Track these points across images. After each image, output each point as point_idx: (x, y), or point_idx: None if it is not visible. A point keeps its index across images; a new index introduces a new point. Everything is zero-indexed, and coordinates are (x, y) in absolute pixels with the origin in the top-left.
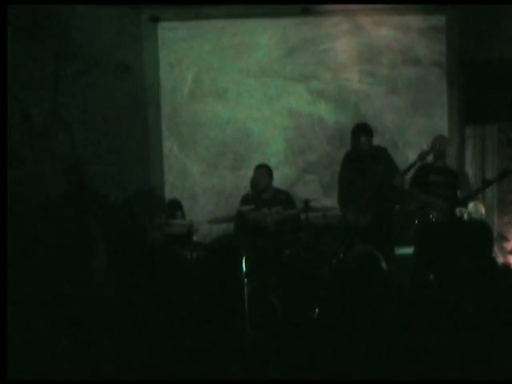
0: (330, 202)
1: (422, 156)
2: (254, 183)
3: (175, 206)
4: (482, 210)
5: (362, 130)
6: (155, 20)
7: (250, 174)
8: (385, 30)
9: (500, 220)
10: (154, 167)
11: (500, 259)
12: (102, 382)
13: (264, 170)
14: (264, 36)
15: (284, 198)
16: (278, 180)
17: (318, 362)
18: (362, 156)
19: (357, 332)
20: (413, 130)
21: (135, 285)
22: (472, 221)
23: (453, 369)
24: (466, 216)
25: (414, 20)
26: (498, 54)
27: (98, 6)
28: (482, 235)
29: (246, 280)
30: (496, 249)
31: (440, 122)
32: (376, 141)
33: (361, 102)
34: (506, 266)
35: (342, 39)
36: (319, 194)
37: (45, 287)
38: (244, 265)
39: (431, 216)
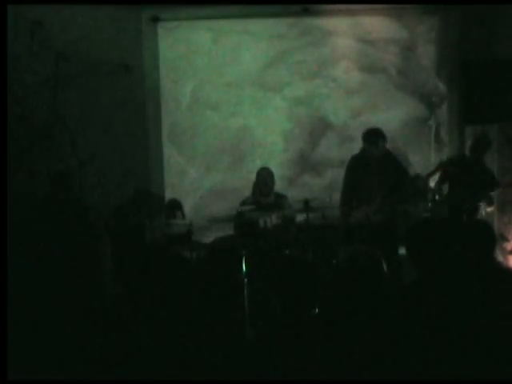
0: (293, 193)
1: (441, 165)
2: (256, 188)
3: (175, 206)
4: (482, 210)
5: (376, 135)
6: (155, 20)
7: (242, 173)
8: (343, 40)
9: (500, 220)
10: (154, 167)
11: (500, 259)
12: (102, 381)
13: (266, 174)
14: (246, 51)
15: (284, 202)
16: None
17: (318, 362)
18: (369, 158)
19: (356, 332)
20: (363, 126)
21: (135, 285)
22: (474, 221)
23: (453, 369)
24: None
25: (366, 33)
26: (497, 54)
27: (98, 6)
28: (484, 235)
29: (245, 280)
30: (496, 249)
31: (387, 119)
32: (334, 136)
33: (324, 104)
34: (506, 266)
35: (308, 50)
36: (284, 185)
37: (45, 287)
38: (244, 265)
39: (434, 215)
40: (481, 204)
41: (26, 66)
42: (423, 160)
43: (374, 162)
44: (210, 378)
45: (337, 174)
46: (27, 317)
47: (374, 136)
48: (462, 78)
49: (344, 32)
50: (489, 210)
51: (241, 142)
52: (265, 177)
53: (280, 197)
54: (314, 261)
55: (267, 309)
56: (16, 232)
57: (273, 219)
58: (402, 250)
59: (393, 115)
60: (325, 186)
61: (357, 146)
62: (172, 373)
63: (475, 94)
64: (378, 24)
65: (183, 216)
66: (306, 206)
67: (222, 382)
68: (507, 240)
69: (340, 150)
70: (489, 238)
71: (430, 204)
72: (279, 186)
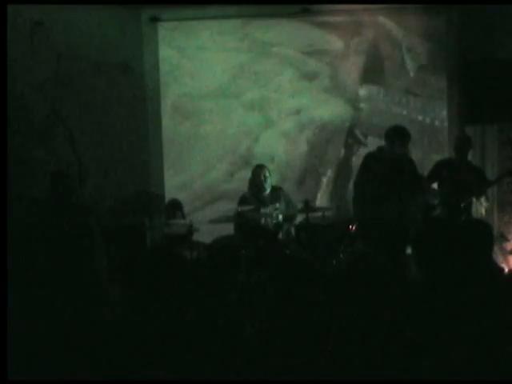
0: (232, 185)
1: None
2: (253, 183)
3: (175, 206)
4: (482, 210)
5: (403, 134)
6: (155, 20)
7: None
8: (287, 52)
9: (500, 220)
10: (154, 167)
11: (500, 259)
12: (102, 382)
13: (263, 170)
14: (217, 65)
15: (279, 194)
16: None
17: (318, 362)
18: (387, 158)
19: (358, 332)
20: (296, 124)
21: (134, 285)
22: (472, 220)
23: (453, 369)
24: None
25: (306, 45)
26: (498, 54)
27: (98, 6)
28: (482, 235)
29: (245, 280)
30: (496, 249)
31: (314, 118)
32: (271, 134)
33: (271, 107)
34: (506, 265)
35: (261, 61)
36: (226, 179)
37: (45, 287)
38: (244, 265)
39: (432, 214)
40: (479, 200)
41: (26, 65)
42: (335, 155)
43: (392, 162)
44: (210, 377)
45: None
46: (27, 317)
47: (399, 134)
48: (462, 78)
49: (288, 45)
50: (485, 205)
51: (207, 147)
52: (260, 174)
53: (275, 189)
54: (314, 261)
55: (267, 308)
56: (15, 232)
57: (270, 211)
58: (409, 250)
59: (319, 115)
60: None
61: (288, 141)
62: (172, 372)
63: (475, 94)
64: (317, 36)
65: (183, 216)
66: (306, 206)
67: (222, 382)
68: (507, 240)
69: (273, 147)
70: (487, 238)
71: (433, 205)
72: (222, 180)
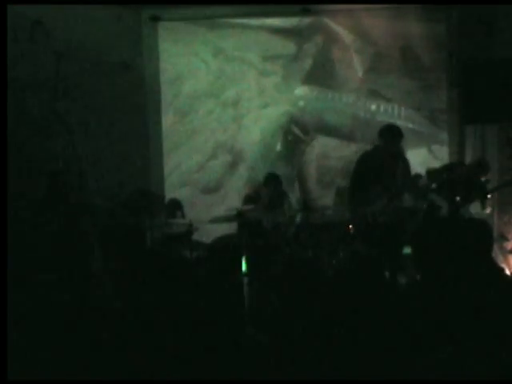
0: (200, 175)
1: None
2: (264, 190)
3: (175, 206)
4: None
5: (396, 132)
6: (155, 19)
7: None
8: (249, 56)
9: (500, 220)
10: (154, 167)
11: (500, 259)
12: (102, 382)
13: (276, 180)
14: (199, 69)
15: (284, 200)
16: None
17: (318, 362)
18: (382, 156)
19: (356, 331)
20: (258, 117)
21: (134, 285)
22: (472, 220)
23: (453, 369)
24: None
25: (265, 50)
26: (497, 54)
27: (98, 6)
28: (481, 234)
29: (245, 280)
30: (496, 248)
31: (269, 113)
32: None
33: (241, 103)
34: (506, 265)
35: (230, 65)
36: (197, 169)
37: (44, 287)
38: (244, 265)
39: (431, 213)
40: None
41: (26, 65)
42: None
43: (386, 161)
44: (210, 377)
45: (229, 157)
46: (27, 317)
47: (392, 133)
48: (462, 78)
49: (247, 50)
50: (488, 210)
51: (189, 142)
52: (274, 185)
53: (280, 194)
54: (313, 261)
55: (267, 308)
56: (14, 232)
57: (274, 216)
58: (405, 251)
59: (273, 111)
60: (220, 166)
61: (247, 134)
62: (171, 372)
63: (475, 94)
64: (275, 42)
65: (183, 216)
66: (306, 205)
67: (222, 382)
68: (507, 239)
69: (235, 138)
70: (487, 238)
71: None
72: (195, 169)
